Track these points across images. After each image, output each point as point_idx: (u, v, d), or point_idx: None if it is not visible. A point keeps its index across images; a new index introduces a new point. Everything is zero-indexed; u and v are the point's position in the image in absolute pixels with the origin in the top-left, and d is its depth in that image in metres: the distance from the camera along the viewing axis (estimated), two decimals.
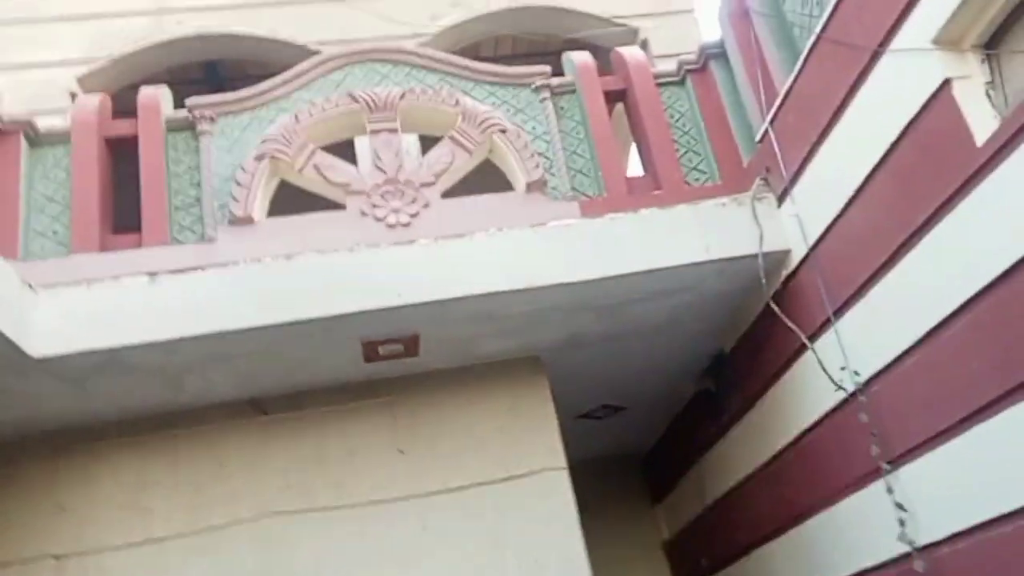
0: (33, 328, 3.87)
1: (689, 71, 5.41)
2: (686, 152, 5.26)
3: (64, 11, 6.55)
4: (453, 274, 4.28)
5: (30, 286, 3.94)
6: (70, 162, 4.80)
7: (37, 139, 4.85)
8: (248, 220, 4.73)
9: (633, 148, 6.49)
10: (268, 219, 4.84)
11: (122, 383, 4.30)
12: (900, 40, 3.48)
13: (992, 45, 3.30)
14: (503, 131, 5.13)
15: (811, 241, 4.24)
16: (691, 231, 4.39)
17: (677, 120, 5.33)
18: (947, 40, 3.31)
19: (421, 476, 4.68)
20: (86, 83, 6.31)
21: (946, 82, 3.28)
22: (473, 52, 7.03)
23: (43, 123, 4.92)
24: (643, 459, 7.61)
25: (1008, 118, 3.04)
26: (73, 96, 6.09)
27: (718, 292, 4.65)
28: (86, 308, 4.03)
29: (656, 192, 5.04)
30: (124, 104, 5.29)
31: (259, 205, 4.82)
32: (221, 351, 4.21)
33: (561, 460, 4.78)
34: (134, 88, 5.56)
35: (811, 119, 4.15)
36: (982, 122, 3.17)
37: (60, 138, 4.88)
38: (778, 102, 4.48)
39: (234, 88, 5.55)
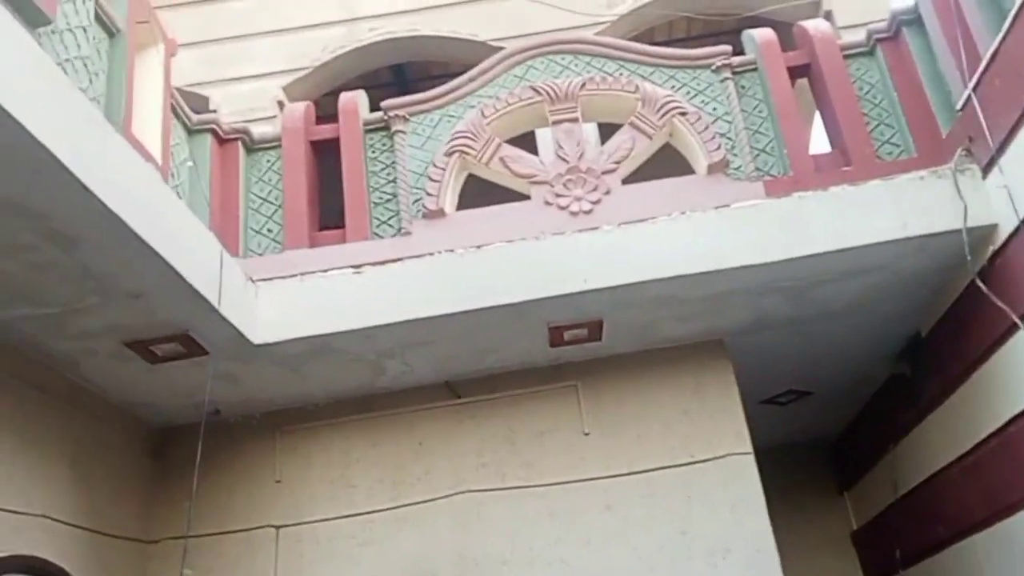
0: (255, 318, 4.27)
1: (879, 40, 5.18)
2: (877, 125, 5.04)
3: (268, 27, 7.12)
4: (636, 259, 4.33)
5: (252, 280, 4.34)
6: (281, 165, 5.23)
7: (252, 145, 5.32)
8: (440, 213, 4.98)
9: (817, 123, 6.29)
10: (458, 211, 5.07)
11: (331, 368, 4.66)
12: None
13: None
14: (683, 114, 5.12)
15: (1021, 214, 3.97)
16: (886, 208, 4.21)
17: (867, 92, 5.11)
18: None
19: (607, 459, 4.78)
20: (291, 91, 6.83)
21: None
22: (648, 37, 7.04)
23: (256, 130, 5.38)
24: (830, 446, 7.35)
25: None
26: (280, 104, 6.62)
27: (915, 271, 4.44)
28: (300, 299, 4.40)
29: (845, 168, 4.87)
30: (324, 109, 5.70)
31: (450, 198, 5.06)
32: (418, 337, 4.47)
33: (747, 445, 4.74)
34: (332, 94, 5.99)
35: (1021, 83, 3.88)
36: None
37: (272, 143, 5.33)
38: (982, 66, 4.21)
39: (420, 88, 5.85)
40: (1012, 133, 3.98)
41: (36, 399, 3.98)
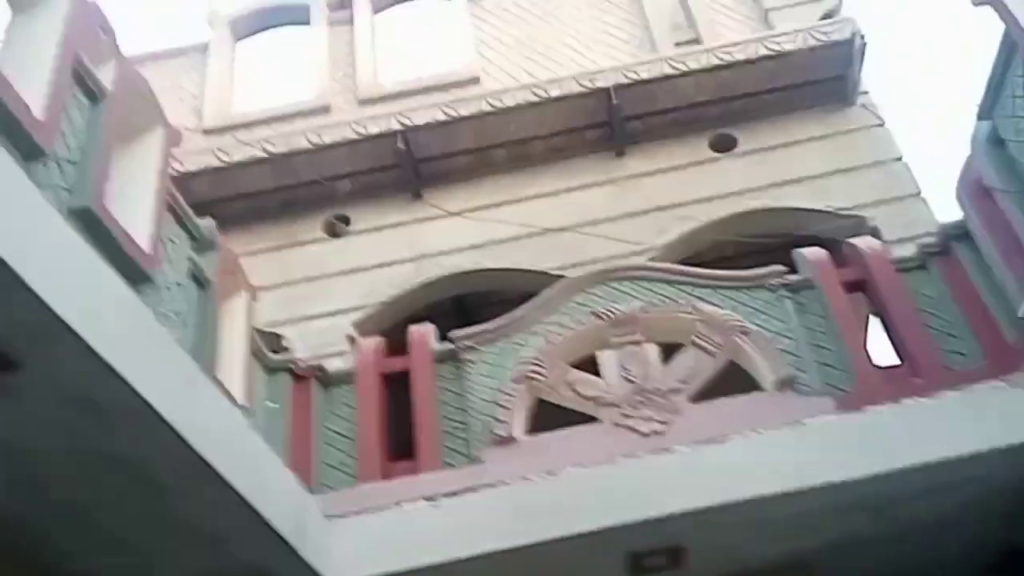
0: (331, 556, 4.22)
1: (930, 254, 5.32)
2: (941, 336, 5.06)
3: (342, 267, 7.55)
4: (714, 480, 4.27)
5: (327, 517, 4.34)
6: (354, 399, 5.36)
7: (326, 380, 5.50)
8: (511, 440, 5.02)
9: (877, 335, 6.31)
10: (528, 436, 5.10)
11: None
12: None
13: None
14: (744, 332, 5.21)
15: None
16: (965, 419, 4.15)
17: (926, 304, 5.18)
18: None
19: None
20: (361, 327, 7.13)
21: None
22: (697, 259, 7.28)
23: (330, 366, 5.58)
24: None
25: None
26: (351, 339, 6.88)
27: (1008, 482, 4.29)
28: (375, 534, 4.37)
29: (915, 380, 4.84)
30: (391, 339, 5.91)
31: (519, 424, 5.11)
32: (495, 570, 4.37)
33: None
34: (399, 325, 6.22)
35: None
36: None
37: (344, 378, 5.50)
38: None
39: (480, 315, 6.06)
40: None
41: None
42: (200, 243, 4.45)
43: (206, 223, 4.66)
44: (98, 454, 3.03)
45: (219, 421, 3.39)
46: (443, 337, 5.61)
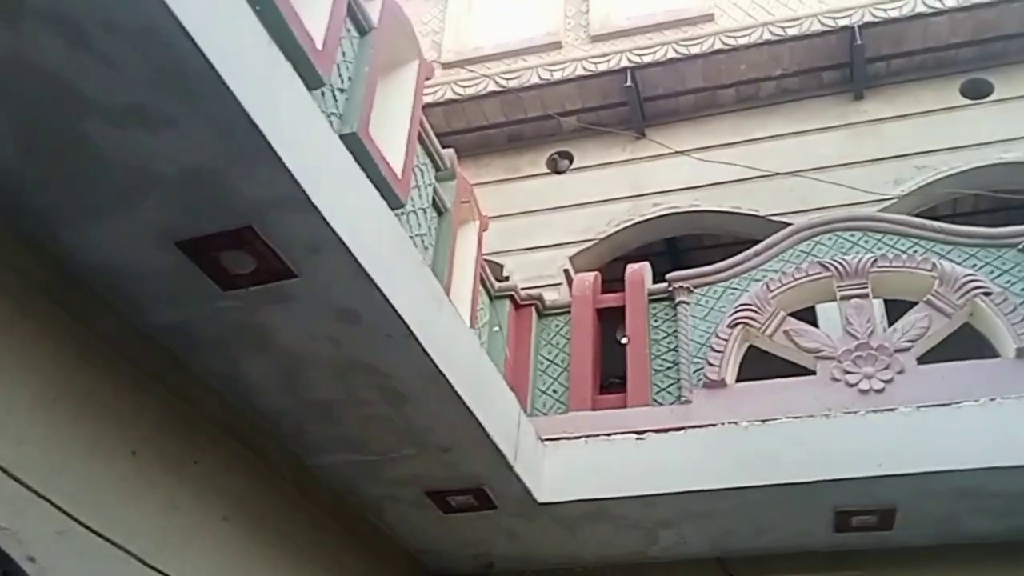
0: (541, 477, 4.46)
1: None
2: None
3: (561, 202, 7.77)
4: (936, 445, 4.10)
5: (541, 440, 4.59)
6: (569, 330, 5.57)
7: (544, 311, 5.74)
8: (722, 383, 5.04)
9: None
10: (739, 383, 5.10)
11: (606, 532, 4.70)
12: None
13: None
14: (987, 294, 4.90)
15: None
16: None
17: None
18: None
19: None
20: (576, 261, 7.34)
21: None
22: (931, 213, 6.86)
23: (547, 297, 5.81)
24: None
25: None
26: (566, 273, 7.11)
27: None
28: (583, 461, 4.56)
29: None
30: (605, 276, 6.05)
31: (731, 369, 5.12)
32: (697, 509, 4.46)
33: None
34: (613, 263, 6.35)
35: None
36: None
37: (561, 310, 5.72)
38: None
39: (691, 257, 6.06)
40: None
41: (340, 536, 4.36)
42: (443, 172, 4.75)
43: (448, 153, 4.94)
44: (354, 361, 3.37)
45: (456, 340, 3.66)
46: (654, 278, 5.67)
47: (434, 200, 4.59)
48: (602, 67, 7.87)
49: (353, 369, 3.43)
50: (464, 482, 4.24)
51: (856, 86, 7.60)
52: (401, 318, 3.14)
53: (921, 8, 7.36)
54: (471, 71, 8.42)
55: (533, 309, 5.69)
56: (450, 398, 3.60)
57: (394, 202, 3.90)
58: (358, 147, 3.68)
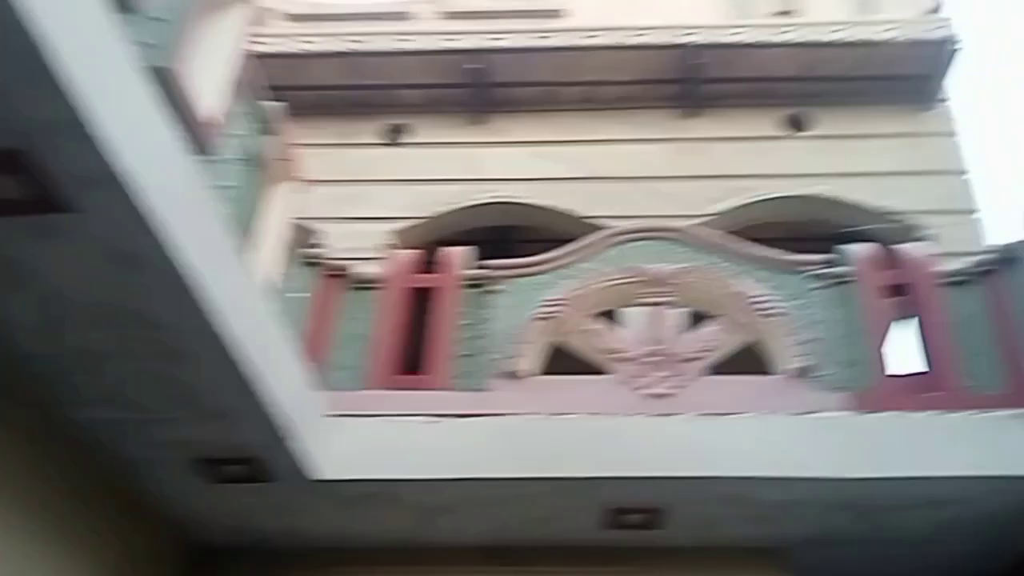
0: (324, 453, 4.34)
1: (978, 273, 5.21)
2: (968, 355, 4.98)
3: (393, 175, 7.63)
4: (710, 452, 4.32)
5: (328, 415, 4.48)
6: (377, 306, 5.46)
7: (354, 283, 5.59)
8: (520, 375, 5.09)
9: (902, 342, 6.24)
10: (538, 377, 5.17)
11: (384, 514, 4.67)
12: None
13: None
14: (773, 315, 5.19)
15: None
16: (965, 442, 4.15)
17: (961, 322, 5.10)
18: None
19: None
20: (404, 237, 7.24)
21: None
22: (743, 234, 7.22)
23: (360, 270, 5.67)
24: None
25: None
26: (390, 247, 6.98)
27: (991, 511, 4.30)
28: (371, 440, 4.49)
29: (930, 394, 4.80)
30: (428, 257, 5.98)
31: (531, 362, 5.17)
32: (480, 496, 4.50)
33: None
34: (439, 243, 6.28)
35: None
36: None
37: (372, 284, 5.58)
38: None
39: (524, 251, 6.09)
40: None
41: (96, 500, 4.10)
42: (264, 125, 4.53)
43: (272, 106, 4.72)
44: (126, 309, 3.14)
45: (246, 302, 3.49)
46: (480, 266, 5.66)
47: (250, 152, 4.37)
48: (450, 45, 7.79)
49: (127, 319, 3.20)
50: (237, 451, 4.06)
51: (690, 104, 7.89)
52: (186, 270, 2.95)
53: (756, 38, 7.73)
54: (319, 28, 8.14)
55: (343, 280, 5.54)
56: (230, 361, 3.43)
57: (198, 147, 3.67)
58: (164, 82, 3.44)
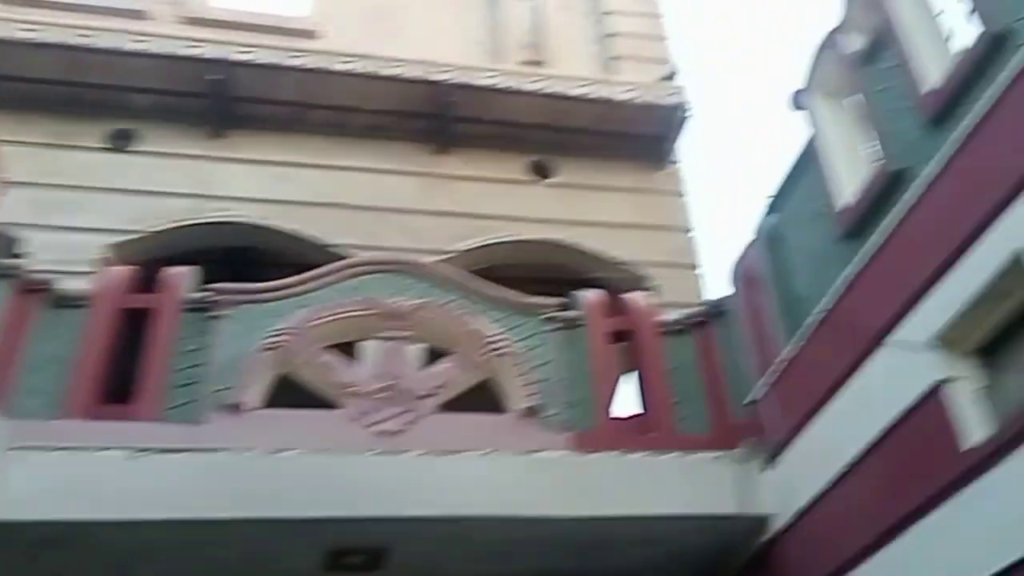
0: (6, 489, 3.81)
1: (693, 324, 5.59)
2: (681, 400, 5.32)
3: (115, 184, 6.94)
4: (434, 491, 4.27)
5: (12, 448, 3.91)
6: (83, 326, 4.88)
7: (56, 299, 4.97)
8: (243, 407, 4.74)
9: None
10: (262, 410, 4.85)
11: (70, 561, 4.19)
12: (901, 333, 3.64)
13: (991, 351, 3.42)
14: (506, 354, 5.25)
15: (792, 511, 4.22)
16: (676, 483, 4.40)
17: (676, 369, 5.43)
18: (946, 341, 3.44)
19: None
20: (120, 251, 6.57)
21: (939, 384, 3.39)
22: (484, 273, 7.33)
23: (66, 285, 5.05)
24: None
25: (995, 434, 3.11)
26: (101, 261, 6.32)
27: (697, 548, 4.59)
28: (62, 477, 4.01)
29: (647, 436, 5.06)
30: (150, 276, 5.46)
31: (256, 394, 4.85)
32: (187, 539, 4.13)
33: None
34: (163, 262, 5.77)
35: (805, 392, 4.25)
36: (970, 427, 3.25)
37: (79, 302, 5.00)
38: (774, 369, 4.60)
39: (257, 276, 5.74)
40: (792, 436, 4.33)
41: None
42: None
43: None
44: None
45: None
46: (205, 288, 5.25)
47: None
48: (190, 52, 7.28)
49: None
50: None
51: (439, 140, 7.93)
52: None
53: (507, 84, 7.94)
54: (39, 15, 7.30)
55: (44, 295, 4.91)
56: None
57: None
58: None
